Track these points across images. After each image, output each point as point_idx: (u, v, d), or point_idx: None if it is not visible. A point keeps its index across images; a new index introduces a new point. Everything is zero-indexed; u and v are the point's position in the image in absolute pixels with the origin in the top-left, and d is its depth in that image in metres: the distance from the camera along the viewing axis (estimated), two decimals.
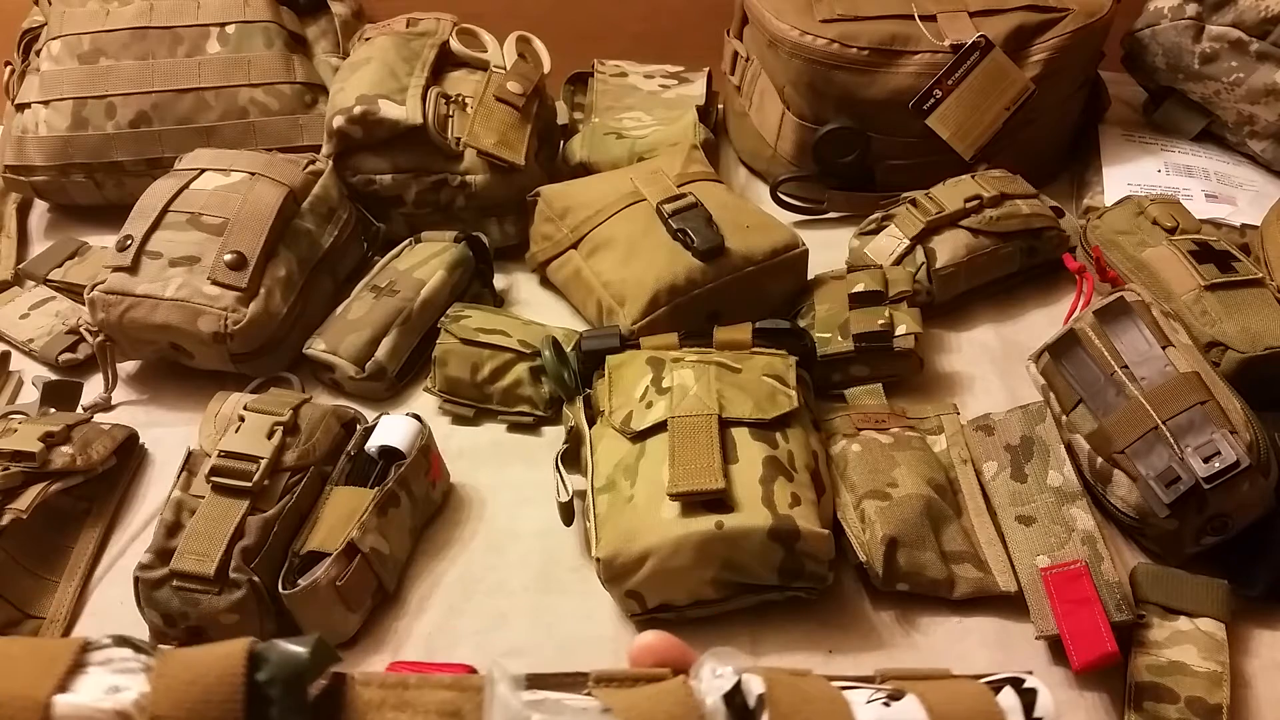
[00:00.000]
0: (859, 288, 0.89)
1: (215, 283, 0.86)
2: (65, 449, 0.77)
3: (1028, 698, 0.30)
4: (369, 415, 0.81)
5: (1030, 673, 0.31)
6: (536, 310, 0.99)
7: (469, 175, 0.98)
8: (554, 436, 0.86)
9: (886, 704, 0.29)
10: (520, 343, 0.88)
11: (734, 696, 0.28)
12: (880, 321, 0.85)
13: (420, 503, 0.77)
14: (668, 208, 0.91)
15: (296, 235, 0.92)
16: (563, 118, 1.17)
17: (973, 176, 0.98)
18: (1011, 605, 0.72)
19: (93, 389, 0.91)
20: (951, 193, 0.96)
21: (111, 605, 0.75)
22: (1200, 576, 0.70)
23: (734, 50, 1.15)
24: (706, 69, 1.21)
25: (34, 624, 0.73)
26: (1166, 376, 0.74)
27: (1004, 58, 0.99)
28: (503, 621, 0.73)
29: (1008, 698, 0.30)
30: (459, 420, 0.88)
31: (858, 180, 1.06)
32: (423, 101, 0.98)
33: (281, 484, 0.72)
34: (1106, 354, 0.77)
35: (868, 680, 0.31)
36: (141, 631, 0.69)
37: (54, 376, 0.92)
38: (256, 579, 0.67)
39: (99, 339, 0.87)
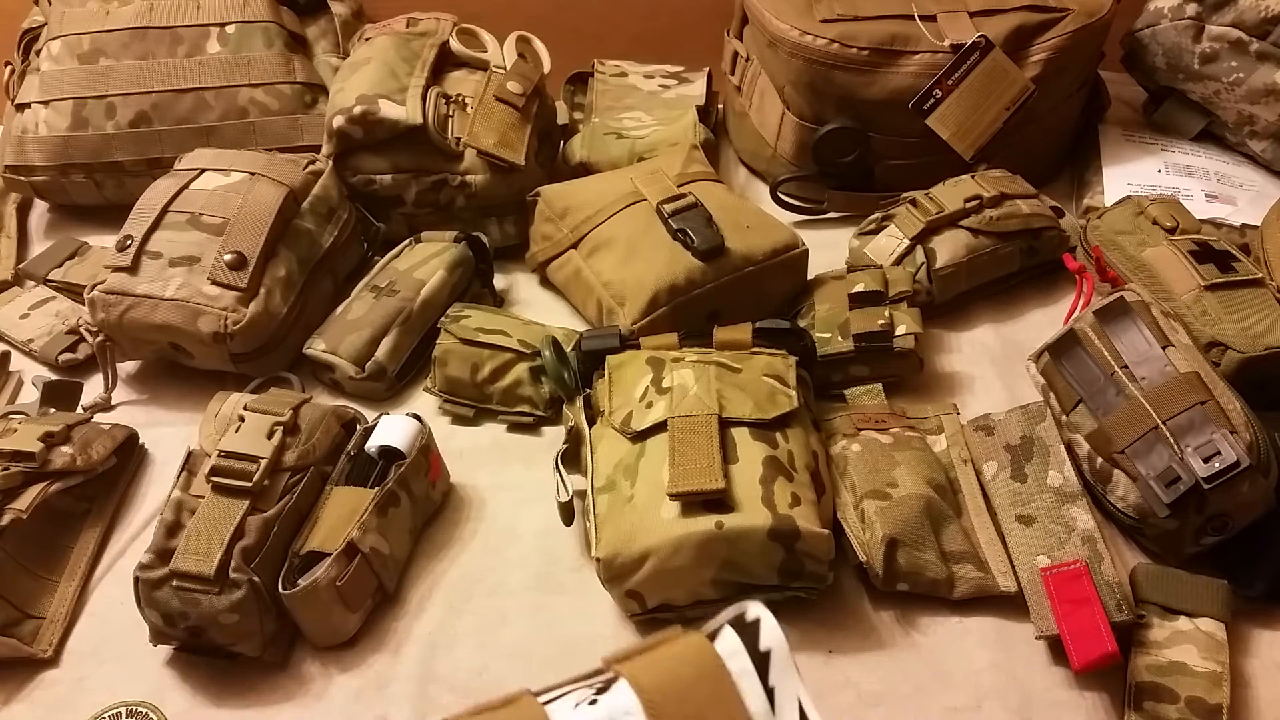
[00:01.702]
0: (859, 288, 0.89)
1: (215, 283, 0.86)
2: (65, 449, 0.77)
3: (750, 633, 0.28)
4: (369, 415, 0.81)
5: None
6: (536, 310, 0.99)
7: (469, 175, 0.98)
8: (554, 436, 0.86)
9: (593, 701, 0.27)
10: (520, 343, 0.88)
11: None
12: (880, 321, 0.85)
13: (420, 503, 0.77)
14: (668, 208, 0.91)
15: (296, 235, 0.92)
16: (563, 118, 1.17)
17: (973, 176, 0.98)
18: (1011, 605, 0.72)
19: (93, 389, 0.91)
20: (951, 193, 0.96)
21: (111, 605, 0.75)
22: (1200, 576, 0.70)
23: (734, 50, 1.15)
24: (706, 69, 1.21)
25: (34, 624, 0.73)
26: (1166, 376, 0.74)
27: (1004, 58, 0.99)
28: (503, 621, 0.73)
29: (727, 641, 0.28)
30: (459, 420, 0.88)
31: (858, 180, 1.06)
32: (423, 101, 0.98)
33: (281, 484, 0.72)
34: (1106, 354, 0.77)
35: (592, 675, 0.29)
36: (141, 631, 0.69)
37: (54, 376, 0.92)
38: (256, 579, 0.67)
39: (99, 339, 0.87)
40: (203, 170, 0.92)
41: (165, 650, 0.72)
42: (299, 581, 0.68)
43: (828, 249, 0.98)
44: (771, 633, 0.28)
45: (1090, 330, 0.79)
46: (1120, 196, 1.00)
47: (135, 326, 0.86)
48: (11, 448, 0.74)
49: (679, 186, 0.94)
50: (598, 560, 0.69)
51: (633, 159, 1.07)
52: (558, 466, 0.77)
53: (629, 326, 0.86)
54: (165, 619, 0.68)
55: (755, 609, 0.29)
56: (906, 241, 0.93)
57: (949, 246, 0.93)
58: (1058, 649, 0.69)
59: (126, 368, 0.94)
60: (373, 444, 0.77)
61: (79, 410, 0.89)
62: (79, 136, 1.04)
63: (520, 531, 0.79)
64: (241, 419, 0.74)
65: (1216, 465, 0.68)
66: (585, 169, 1.09)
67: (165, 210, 0.89)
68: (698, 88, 1.19)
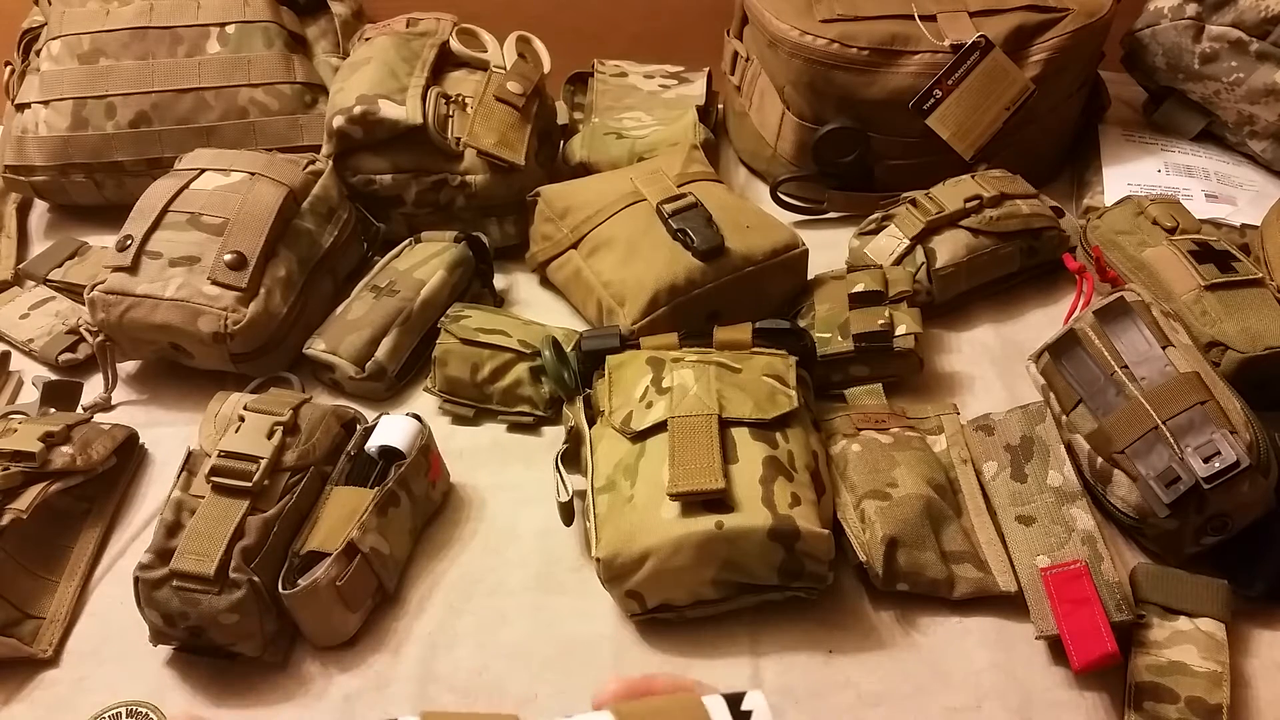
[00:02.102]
0: (859, 288, 0.89)
1: (215, 283, 0.86)
2: (65, 449, 0.77)
3: (734, 699, 0.30)
4: (369, 415, 0.81)
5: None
6: (536, 310, 0.99)
7: (469, 175, 0.98)
8: (554, 436, 0.86)
9: (568, 715, 0.29)
10: (520, 343, 0.88)
11: None
12: (880, 321, 0.85)
13: (420, 503, 0.77)
14: (668, 208, 0.91)
15: (296, 235, 0.92)
16: (563, 118, 1.17)
17: (973, 176, 0.98)
18: (1011, 605, 0.72)
19: (93, 389, 0.91)
20: (951, 193, 0.96)
21: (111, 605, 0.75)
22: (1200, 576, 0.70)
23: (734, 50, 1.15)
24: (706, 69, 1.21)
25: (34, 624, 0.73)
26: (1166, 376, 0.74)
27: (1004, 58, 0.99)
28: (503, 621, 0.73)
29: (712, 697, 0.30)
30: (459, 420, 0.88)
31: (858, 180, 1.06)
32: (423, 101, 0.98)
33: (281, 484, 0.72)
34: (1106, 354, 0.77)
35: None
36: (141, 631, 0.69)
37: (54, 376, 0.92)
38: (256, 579, 0.67)
39: (99, 339, 0.87)
40: (203, 170, 0.92)
41: (165, 650, 0.72)
42: (299, 581, 0.68)
43: (828, 249, 0.98)
44: (754, 699, 0.29)
45: (1090, 330, 0.79)
46: (1120, 196, 1.00)
47: (135, 326, 0.86)
48: (11, 448, 0.74)
49: (679, 186, 0.94)
50: (598, 560, 0.69)
51: (633, 159, 1.07)
52: (558, 466, 0.77)
53: (629, 326, 0.86)
54: (165, 619, 0.68)
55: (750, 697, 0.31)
56: (906, 241, 0.93)
57: (949, 246, 0.93)
58: (1058, 649, 0.69)
59: (126, 368, 0.94)
60: (373, 444, 0.77)
61: (79, 410, 0.89)
62: (79, 136, 1.04)
63: (520, 531, 0.79)
64: (241, 419, 0.74)
65: (1216, 465, 0.68)
66: (585, 169, 1.09)
67: (165, 210, 0.89)
68: (698, 88, 1.19)
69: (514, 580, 0.76)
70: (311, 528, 0.72)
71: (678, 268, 0.87)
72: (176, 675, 0.71)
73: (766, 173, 1.14)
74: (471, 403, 0.87)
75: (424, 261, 0.94)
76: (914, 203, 0.96)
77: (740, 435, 0.71)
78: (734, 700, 0.30)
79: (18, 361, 0.95)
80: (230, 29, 1.06)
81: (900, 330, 0.85)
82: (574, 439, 0.79)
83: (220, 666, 0.71)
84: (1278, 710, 0.67)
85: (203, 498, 0.70)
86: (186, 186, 0.90)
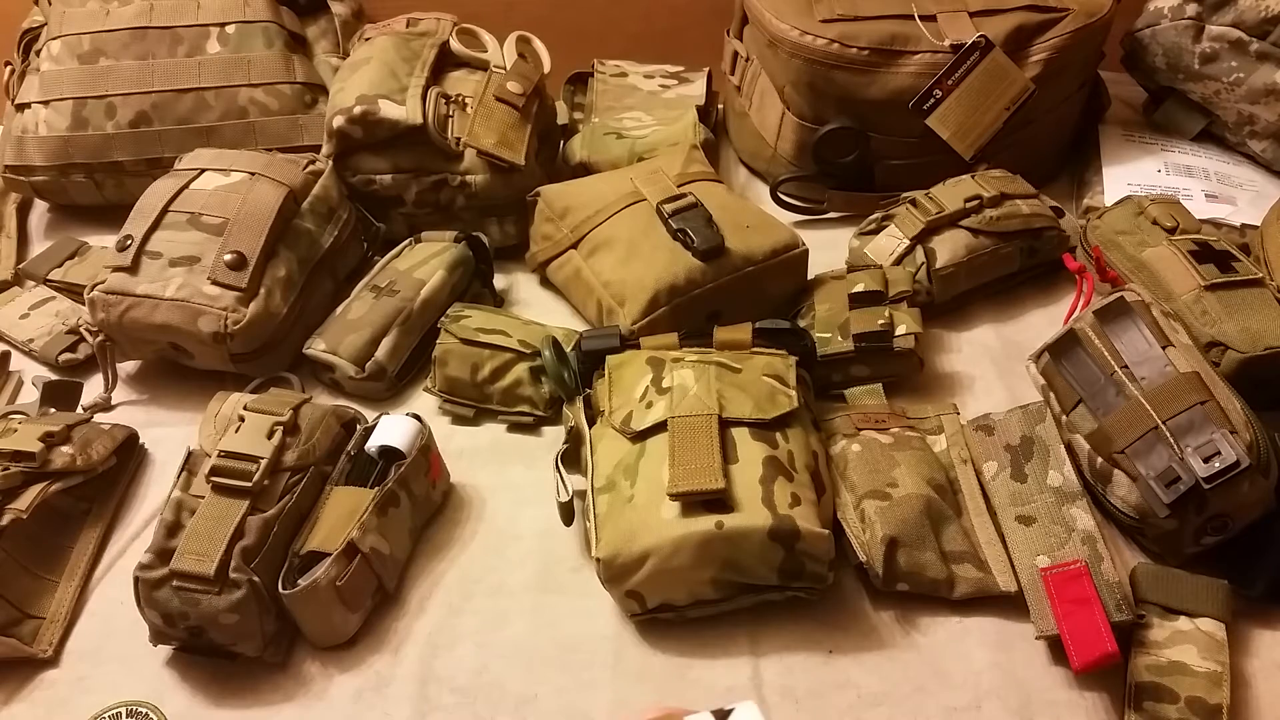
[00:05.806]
0: (859, 288, 0.89)
1: (215, 283, 0.86)
2: (65, 449, 0.77)
3: (721, 712, 0.30)
4: (369, 415, 0.81)
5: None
6: (536, 310, 0.99)
7: (469, 175, 0.98)
8: (554, 436, 0.87)
9: None
10: (520, 343, 0.88)
11: None
12: (880, 321, 0.85)
13: (420, 503, 0.77)
14: (668, 208, 0.91)
15: (296, 235, 0.92)
16: (563, 118, 1.17)
17: (973, 176, 0.98)
18: (1011, 605, 0.72)
19: (93, 389, 0.91)
20: (951, 193, 0.96)
21: (111, 605, 0.75)
22: (1200, 576, 0.70)
23: (734, 50, 1.15)
24: (706, 69, 1.21)
25: (34, 624, 0.73)
26: (1166, 376, 0.74)
27: (1004, 58, 0.99)
28: (503, 621, 0.73)
29: (699, 714, 0.30)
30: (459, 420, 0.88)
31: (858, 180, 1.06)
32: (423, 101, 0.98)
33: (281, 484, 0.72)
34: (1106, 354, 0.77)
35: None
36: (141, 631, 0.69)
37: (54, 376, 0.92)
38: (256, 579, 0.67)
39: (99, 339, 0.87)
40: (203, 170, 0.92)
41: (165, 650, 0.72)
42: (299, 581, 0.68)
43: (828, 249, 0.98)
44: (744, 711, 0.29)
45: (1090, 330, 0.79)
46: (1120, 196, 1.00)
47: (135, 326, 0.86)
48: (11, 448, 0.74)
49: (679, 186, 0.94)
50: (598, 560, 0.69)
51: (633, 159, 1.07)
52: (558, 466, 0.77)
53: (629, 326, 0.86)
54: (165, 619, 0.68)
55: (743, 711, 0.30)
56: (906, 241, 0.93)
57: (949, 246, 0.93)
58: (1058, 649, 0.69)
59: (126, 368, 0.94)
60: (373, 444, 0.77)
61: (79, 410, 0.89)
62: (79, 136, 1.04)
63: (520, 531, 0.79)
64: (241, 419, 0.74)
65: (1216, 465, 0.68)
66: (585, 169, 1.09)
67: (165, 210, 0.89)
68: (698, 88, 1.19)
69: (514, 580, 0.76)
70: (311, 528, 0.72)
71: (678, 268, 0.87)
72: (176, 675, 0.71)
73: (766, 173, 1.14)
74: (471, 403, 0.87)
75: (424, 261, 0.94)
76: (914, 203, 0.96)
77: (740, 435, 0.71)
78: (722, 715, 0.30)
79: (18, 361, 0.95)
80: (230, 29, 1.06)
81: (900, 330, 0.85)
82: (574, 439, 0.79)
83: (220, 666, 0.71)
84: (1278, 710, 0.67)
85: (203, 498, 0.70)
86: (186, 186, 0.90)
